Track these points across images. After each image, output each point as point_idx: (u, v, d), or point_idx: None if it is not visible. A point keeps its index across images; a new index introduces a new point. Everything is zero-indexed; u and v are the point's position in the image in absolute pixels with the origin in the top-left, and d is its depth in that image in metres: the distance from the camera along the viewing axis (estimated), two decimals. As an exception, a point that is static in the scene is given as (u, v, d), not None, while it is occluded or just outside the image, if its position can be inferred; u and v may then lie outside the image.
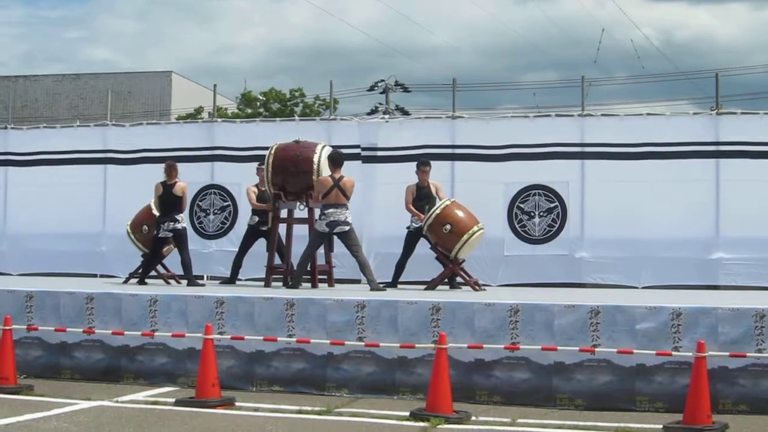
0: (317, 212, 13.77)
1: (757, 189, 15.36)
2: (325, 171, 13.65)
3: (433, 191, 14.39)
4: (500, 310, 10.06)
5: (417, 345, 9.98)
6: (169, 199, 14.31)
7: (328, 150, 14.11)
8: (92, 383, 10.99)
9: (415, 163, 14.82)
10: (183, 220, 14.47)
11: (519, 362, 9.89)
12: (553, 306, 9.96)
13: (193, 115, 38.03)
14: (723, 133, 15.75)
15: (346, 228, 13.41)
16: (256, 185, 14.98)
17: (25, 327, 11.33)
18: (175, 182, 14.37)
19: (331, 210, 13.37)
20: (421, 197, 14.29)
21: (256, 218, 14.93)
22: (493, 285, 15.58)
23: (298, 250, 13.98)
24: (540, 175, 16.17)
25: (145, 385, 10.89)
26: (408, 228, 14.44)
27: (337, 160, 13.63)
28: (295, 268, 13.76)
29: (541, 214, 16.09)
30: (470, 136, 16.68)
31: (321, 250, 14.05)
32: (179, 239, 14.45)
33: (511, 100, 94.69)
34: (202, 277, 16.52)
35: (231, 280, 15.04)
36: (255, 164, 15.40)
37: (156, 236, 14.48)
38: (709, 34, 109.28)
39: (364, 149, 16.91)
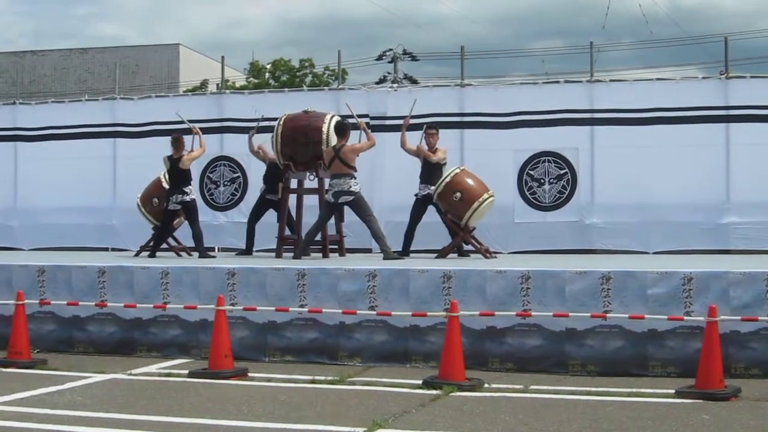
0: (327, 183, 13.78)
1: (768, 153, 15.30)
2: (334, 141, 13.63)
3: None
4: (511, 277, 10.06)
5: (429, 313, 10.00)
6: (176, 173, 14.30)
7: (337, 120, 14.07)
8: (105, 356, 11.05)
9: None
10: (191, 192, 14.45)
11: (531, 329, 9.89)
12: (565, 272, 9.96)
13: (200, 88, 37.93)
14: (733, 97, 15.70)
15: (350, 198, 13.32)
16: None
17: (38, 302, 11.39)
18: (182, 156, 14.35)
19: (335, 180, 13.37)
20: (429, 164, 14.21)
21: (264, 187, 14.98)
22: (503, 252, 15.58)
23: (308, 220, 14.01)
24: (549, 142, 16.10)
25: (158, 358, 10.94)
26: (416, 195, 14.38)
27: (338, 129, 13.57)
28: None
29: (551, 180, 16.05)
30: (479, 104, 16.61)
31: (332, 221, 14.05)
32: (189, 211, 14.45)
33: (519, 67, 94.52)
34: (213, 249, 16.53)
35: (247, 250, 15.01)
36: (266, 135, 15.39)
37: (165, 209, 14.50)
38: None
39: (373, 118, 16.83)
